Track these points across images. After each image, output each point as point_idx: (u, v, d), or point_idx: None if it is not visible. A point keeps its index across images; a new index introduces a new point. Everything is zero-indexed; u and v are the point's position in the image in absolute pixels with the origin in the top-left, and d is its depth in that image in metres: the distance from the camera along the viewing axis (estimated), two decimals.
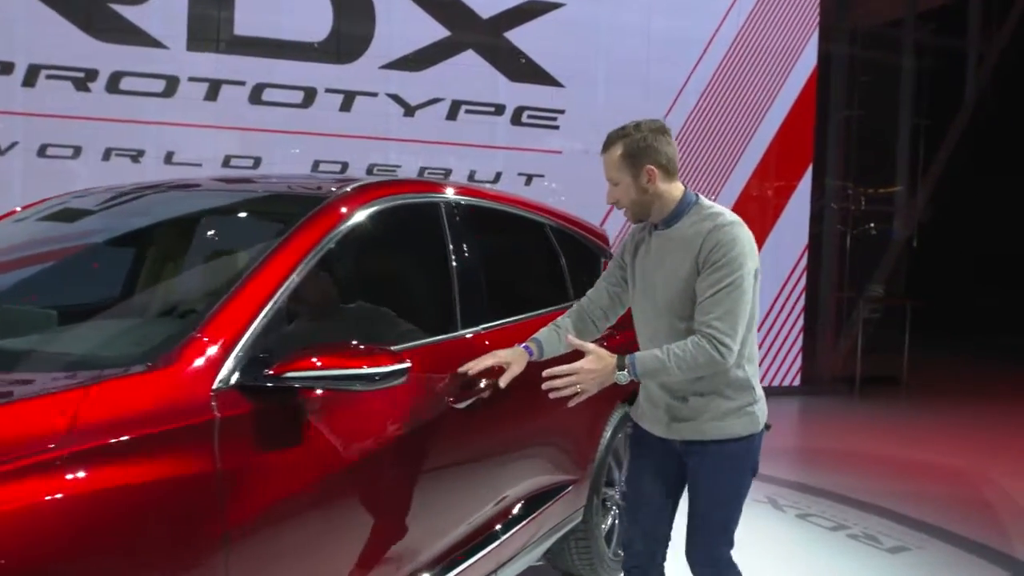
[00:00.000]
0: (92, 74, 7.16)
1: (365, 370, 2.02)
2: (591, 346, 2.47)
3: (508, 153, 8.34)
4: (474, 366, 2.57)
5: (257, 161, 7.76)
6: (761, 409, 2.53)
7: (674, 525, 2.71)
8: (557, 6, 8.39)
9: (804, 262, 9.40)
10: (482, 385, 2.72)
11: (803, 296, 9.39)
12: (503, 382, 2.55)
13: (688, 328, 2.42)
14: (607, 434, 3.70)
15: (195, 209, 2.75)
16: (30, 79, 6.96)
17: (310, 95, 7.85)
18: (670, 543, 2.72)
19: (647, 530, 2.67)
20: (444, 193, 3.02)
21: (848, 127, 10.29)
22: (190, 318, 2.05)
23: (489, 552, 2.77)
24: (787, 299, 9.24)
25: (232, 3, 7.51)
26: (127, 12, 7.23)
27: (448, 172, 8.09)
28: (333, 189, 2.62)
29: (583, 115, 8.46)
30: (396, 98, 8.01)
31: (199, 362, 1.89)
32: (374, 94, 7.96)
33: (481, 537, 2.77)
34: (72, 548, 1.56)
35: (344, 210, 2.47)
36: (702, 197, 2.55)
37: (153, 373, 1.84)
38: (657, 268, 2.51)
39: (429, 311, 2.82)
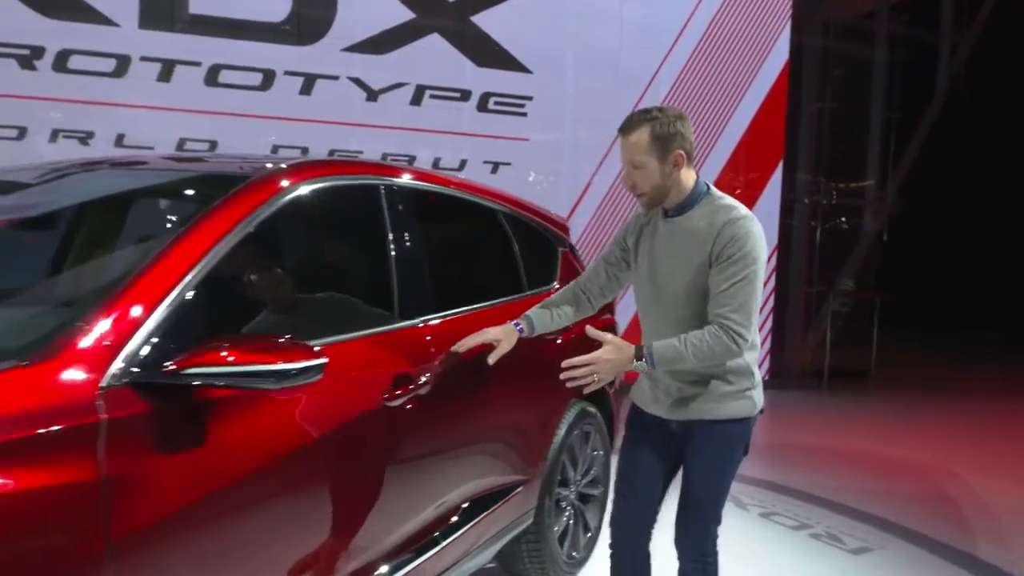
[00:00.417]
0: (38, 51, 6.86)
1: (275, 366, 1.83)
2: (609, 336, 2.47)
3: (474, 140, 8.12)
4: (463, 345, 2.64)
5: (213, 145, 7.50)
6: (758, 394, 2.61)
7: (661, 510, 2.74)
8: None
9: (774, 256, 9.29)
10: (422, 380, 2.55)
11: (772, 290, 9.28)
12: (491, 359, 2.61)
13: (693, 316, 2.46)
14: (561, 431, 3.53)
15: (108, 191, 2.53)
16: None
17: (269, 77, 7.59)
18: (655, 527, 2.73)
19: (636, 511, 2.69)
20: (385, 176, 2.82)
21: (820, 120, 10.19)
22: (78, 308, 1.84)
23: (426, 560, 2.59)
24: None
25: None
26: None
27: (412, 159, 7.87)
28: (259, 168, 2.42)
29: (552, 102, 8.27)
30: (358, 82, 7.77)
31: (83, 357, 1.69)
32: (335, 77, 7.71)
33: (417, 545, 2.58)
34: None
35: (267, 191, 2.26)
36: (712, 186, 2.57)
37: (27, 369, 1.63)
38: (667, 256, 2.53)
39: (363, 302, 2.62)
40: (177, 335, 1.86)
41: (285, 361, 1.85)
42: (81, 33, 7.05)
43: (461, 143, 8.08)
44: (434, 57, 7.90)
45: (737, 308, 2.38)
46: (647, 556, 2.74)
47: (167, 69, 7.34)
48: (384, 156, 7.81)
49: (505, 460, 3.17)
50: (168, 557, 1.76)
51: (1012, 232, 15.85)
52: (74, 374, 1.66)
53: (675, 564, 2.66)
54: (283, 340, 1.90)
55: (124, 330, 1.78)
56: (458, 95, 8.00)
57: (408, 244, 2.76)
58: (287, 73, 7.60)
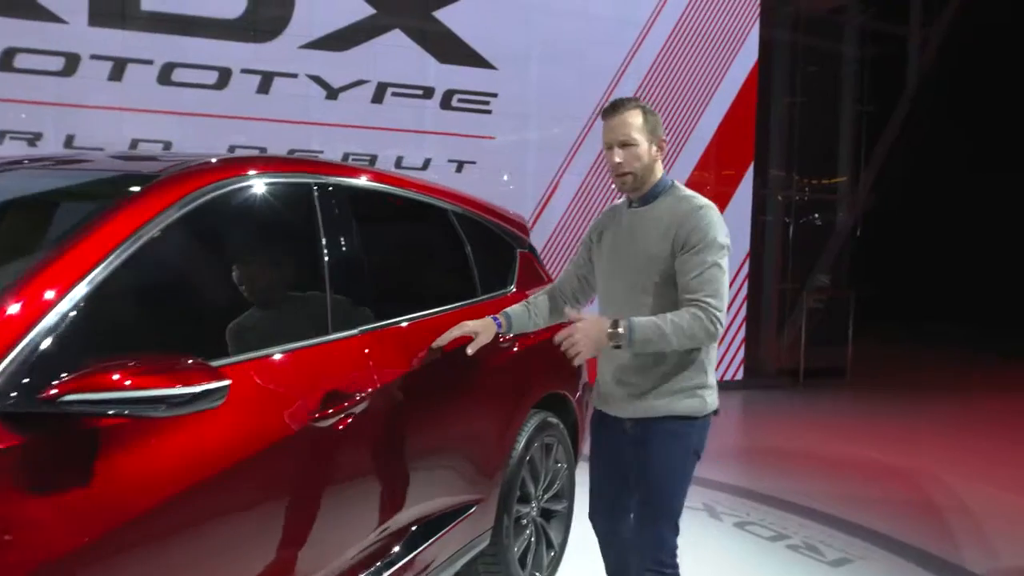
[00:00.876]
0: None
1: (170, 390, 1.61)
2: (586, 314, 2.50)
3: (438, 138, 7.89)
4: (442, 340, 2.69)
5: (167, 146, 7.23)
6: (712, 395, 2.60)
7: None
8: None
9: (747, 254, 9.14)
10: (358, 396, 2.33)
11: (745, 287, 9.13)
12: (471, 350, 2.65)
13: (654, 304, 2.49)
14: (519, 444, 3.32)
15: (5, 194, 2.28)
16: None
17: (224, 76, 7.34)
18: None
19: (607, 506, 2.76)
20: (319, 174, 2.59)
21: (791, 115, 10.06)
22: None
23: None
24: (729, 291, 8.95)
25: None
26: None
27: (373, 158, 7.64)
28: (171, 167, 2.18)
29: (517, 99, 8.06)
30: (318, 79, 7.52)
31: None
32: (294, 75, 7.47)
33: None
34: None
35: (176, 192, 2.03)
36: (676, 181, 2.65)
37: None
38: (630, 244, 2.59)
39: (290, 313, 2.39)
40: (60, 356, 1.63)
41: (183, 384, 1.63)
42: (28, 30, 6.79)
43: (425, 142, 7.86)
44: (395, 54, 7.67)
45: (712, 293, 2.42)
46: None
47: (118, 68, 7.08)
48: (346, 156, 7.58)
49: (456, 478, 2.95)
50: None
51: (987, 224, 15.85)
52: None
53: None
54: (182, 361, 1.67)
55: None
56: (421, 92, 7.77)
57: (344, 248, 2.54)
58: (244, 71, 7.36)
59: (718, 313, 2.41)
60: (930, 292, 15.81)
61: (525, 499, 3.44)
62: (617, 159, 2.53)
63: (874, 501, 5.25)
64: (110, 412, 1.61)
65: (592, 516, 2.83)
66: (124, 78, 7.10)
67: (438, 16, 7.83)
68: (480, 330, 2.68)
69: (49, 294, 1.68)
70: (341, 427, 2.26)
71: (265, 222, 2.43)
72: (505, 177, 8.14)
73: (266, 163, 2.44)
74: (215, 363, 1.88)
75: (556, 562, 3.65)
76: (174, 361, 1.66)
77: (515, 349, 3.29)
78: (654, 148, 2.56)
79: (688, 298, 2.43)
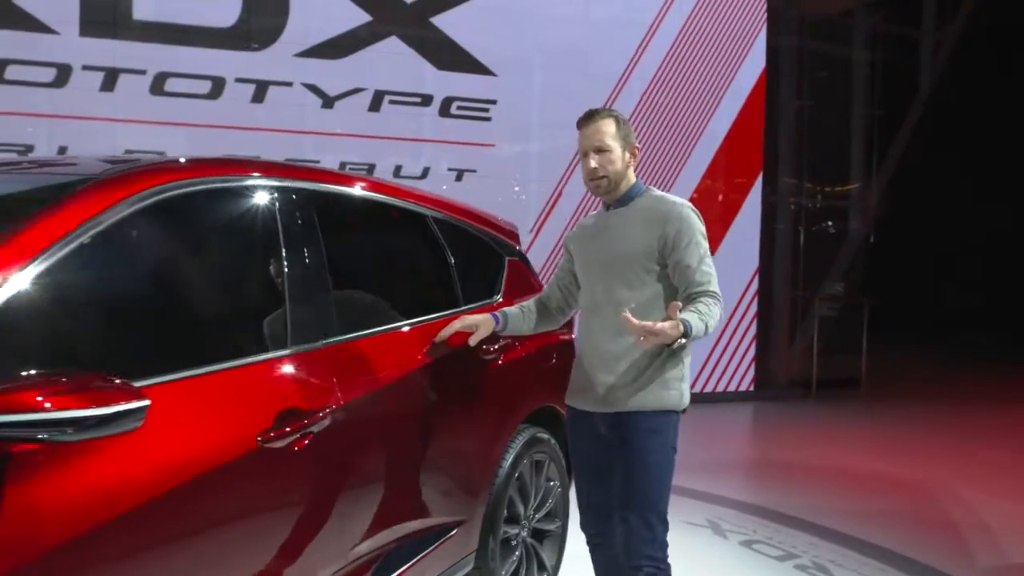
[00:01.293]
0: None
1: (76, 412, 1.43)
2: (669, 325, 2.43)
3: (437, 146, 7.75)
4: (443, 334, 2.76)
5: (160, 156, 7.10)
6: (687, 389, 2.67)
7: None
8: None
9: (757, 261, 8.93)
10: (321, 413, 2.15)
11: (756, 297, 8.91)
12: (472, 342, 2.78)
13: (637, 298, 2.59)
14: (507, 461, 3.13)
15: None
16: None
17: (218, 85, 7.23)
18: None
19: (597, 503, 2.77)
20: (280, 177, 2.41)
21: (800, 120, 9.84)
22: None
23: None
24: (740, 300, 8.75)
25: None
26: None
27: (371, 167, 7.49)
28: (108, 169, 2.02)
29: (518, 106, 7.90)
30: (313, 88, 7.40)
31: None
32: (289, 84, 7.35)
33: None
34: None
35: (110, 197, 1.87)
36: (649, 185, 2.79)
37: None
38: (610, 242, 2.69)
39: (242, 327, 2.22)
40: None
41: (95, 405, 1.46)
42: (18, 41, 6.71)
43: (423, 150, 7.71)
44: (392, 61, 7.55)
45: (713, 280, 2.59)
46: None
47: (111, 78, 6.98)
48: (342, 165, 7.43)
49: (434, 498, 2.77)
50: None
51: (1005, 230, 15.56)
52: None
53: None
54: (99, 379, 1.50)
55: None
56: (419, 100, 7.63)
57: (307, 257, 2.36)
58: (238, 80, 7.24)
59: (722, 301, 2.59)
60: (947, 300, 15.54)
61: (514, 520, 3.25)
62: (592, 164, 2.66)
63: (889, 519, 5.01)
64: (10, 435, 1.43)
65: (580, 521, 2.87)
66: (116, 88, 7.01)
67: (435, 22, 7.69)
68: (479, 323, 2.79)
69: None
70: (297, 448, 2.09)
71: (219, 228, 2.26)
72: (506, 185, 7.97)
73: (215, 167, 2.27)
74: (148, 381, 1.71)
75: None
76: (87, 379, 1.49)
77: (501, 361, 3.11)
78: (627, 154, 2.70)
79: (697, 291, 2.57)
